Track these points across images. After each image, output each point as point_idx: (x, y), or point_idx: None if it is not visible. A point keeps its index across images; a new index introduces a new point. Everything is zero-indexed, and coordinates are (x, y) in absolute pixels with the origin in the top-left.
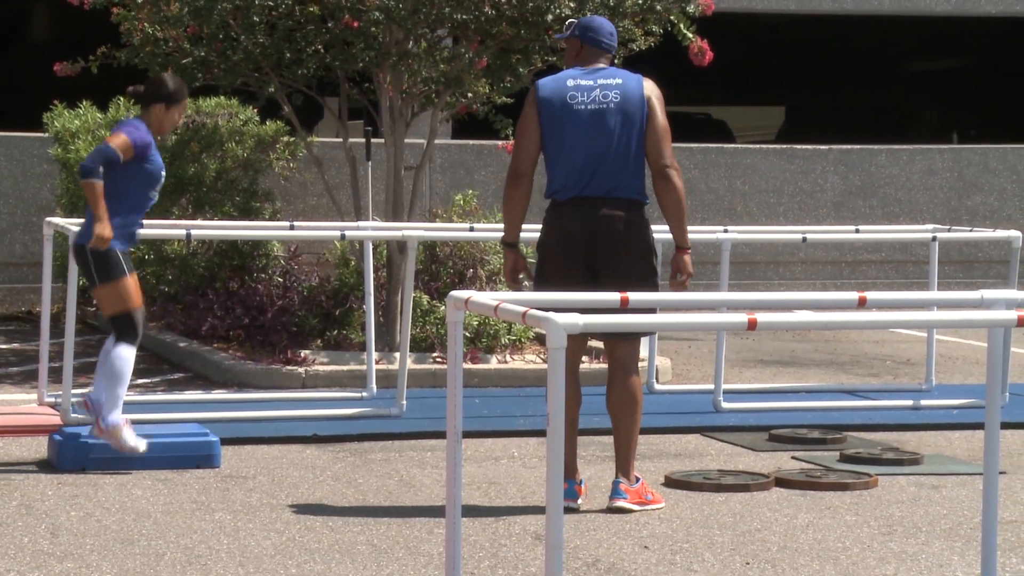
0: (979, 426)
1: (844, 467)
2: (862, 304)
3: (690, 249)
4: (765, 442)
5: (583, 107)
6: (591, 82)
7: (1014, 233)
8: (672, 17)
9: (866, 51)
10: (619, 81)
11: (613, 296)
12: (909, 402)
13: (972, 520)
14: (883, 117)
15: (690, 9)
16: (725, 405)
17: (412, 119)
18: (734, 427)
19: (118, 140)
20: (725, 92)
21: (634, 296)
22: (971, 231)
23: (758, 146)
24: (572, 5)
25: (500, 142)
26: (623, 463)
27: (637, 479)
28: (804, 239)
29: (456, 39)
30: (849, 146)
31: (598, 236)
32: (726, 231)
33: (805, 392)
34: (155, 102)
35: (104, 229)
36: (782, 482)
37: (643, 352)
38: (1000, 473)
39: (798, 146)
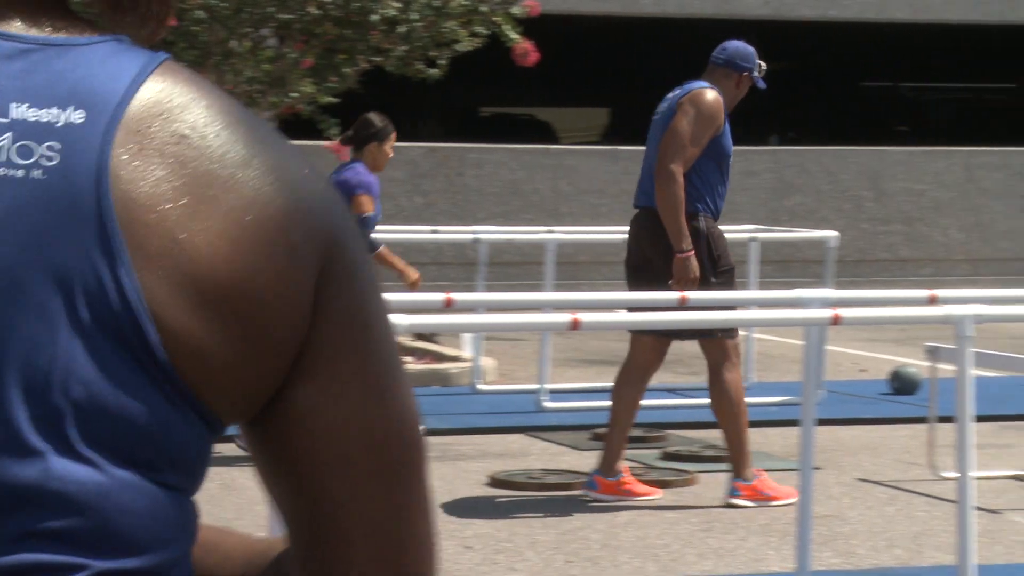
0: (795, 423)
1: (665, 465)
2: (683, 304)
3: (682, 252)
4: (588, 441)
5: (656, 118)
6: (672, 94)
7: (831, 233)
8: (497, 18)
9: (689, 53)
10: (678, 92)
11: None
12: None
13: (788, 515)
14: None
15: (515, 11)
16: (549, 405)
17: None
18: (558, 426)
19: (365, 203)
20: (550, 93)
21: (484, 296)
22: (789, 231)
23: (582, 147)
24: (398, 5)
25: (325, 142)
26: (734, 462)
27: (754, 475)
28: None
29: (280, 39)
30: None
31: (634, 246)
32: (550, 231)
33: None
34: (368, 142)
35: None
36: None
37: (467, 352)
38: (815, 469)
39: (622, 147)
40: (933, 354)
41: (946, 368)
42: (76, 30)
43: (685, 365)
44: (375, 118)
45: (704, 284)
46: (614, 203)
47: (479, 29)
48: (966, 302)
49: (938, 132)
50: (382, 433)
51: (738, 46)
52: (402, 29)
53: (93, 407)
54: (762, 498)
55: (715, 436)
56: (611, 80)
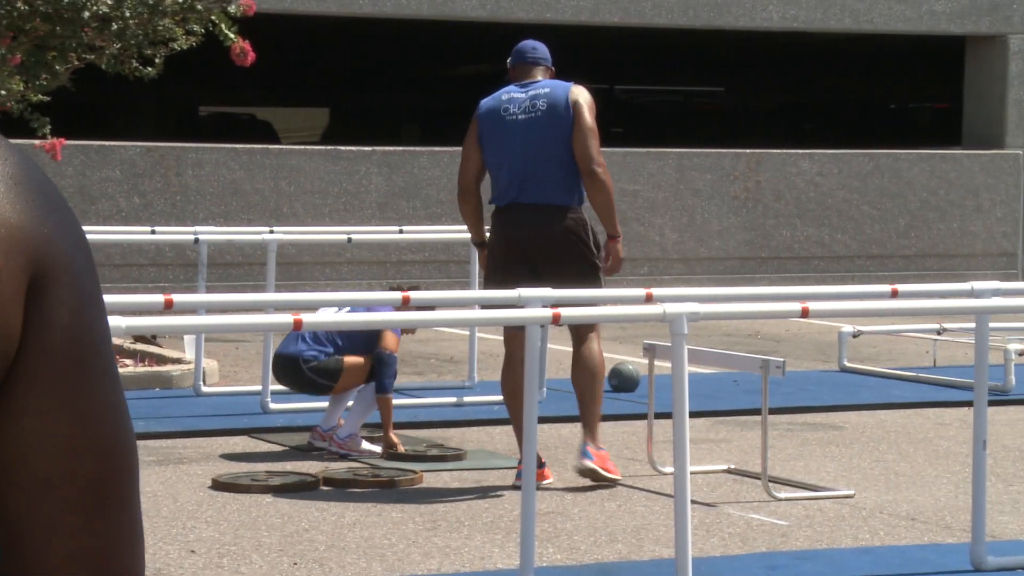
0: None
1: (390, 464)
2: (406, 303)
3: (620, 237)
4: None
5: (515, 117)
6: (523, 94)
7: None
8: (213, 17)
9: (408, 54)
10: (547, 90)
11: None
12: (453, 399)
13: (512, 512)
14: (428, 119)
15: (231, 9)
16: (273, 406)
17: None
18: (282, 428)
19: (393, 343)
20: (270, 93)
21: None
22: None
23: (303, 147)
24: (110, 2)
25: (38, 141)
26: (590, 429)
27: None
28: (349, 240)
29: None
30: (392, 148)
31: (536, 242)
32: (272, 232)
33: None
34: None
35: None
36: (329, 481)
37: (189, 354)
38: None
39: (343, 147)
40: (650, 351)
41: (663, 365)
42: None
43: (409, 365)
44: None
45: (596, 268)
46: (336, 203)
47: (195, 27)
48: (681, 300)
49: (651, 134)
50: (90, 455)
51: (539, 45)
52: (115, 26)
53: None
54: (605, 468)
55: (440, 435)
56: (330, 80)
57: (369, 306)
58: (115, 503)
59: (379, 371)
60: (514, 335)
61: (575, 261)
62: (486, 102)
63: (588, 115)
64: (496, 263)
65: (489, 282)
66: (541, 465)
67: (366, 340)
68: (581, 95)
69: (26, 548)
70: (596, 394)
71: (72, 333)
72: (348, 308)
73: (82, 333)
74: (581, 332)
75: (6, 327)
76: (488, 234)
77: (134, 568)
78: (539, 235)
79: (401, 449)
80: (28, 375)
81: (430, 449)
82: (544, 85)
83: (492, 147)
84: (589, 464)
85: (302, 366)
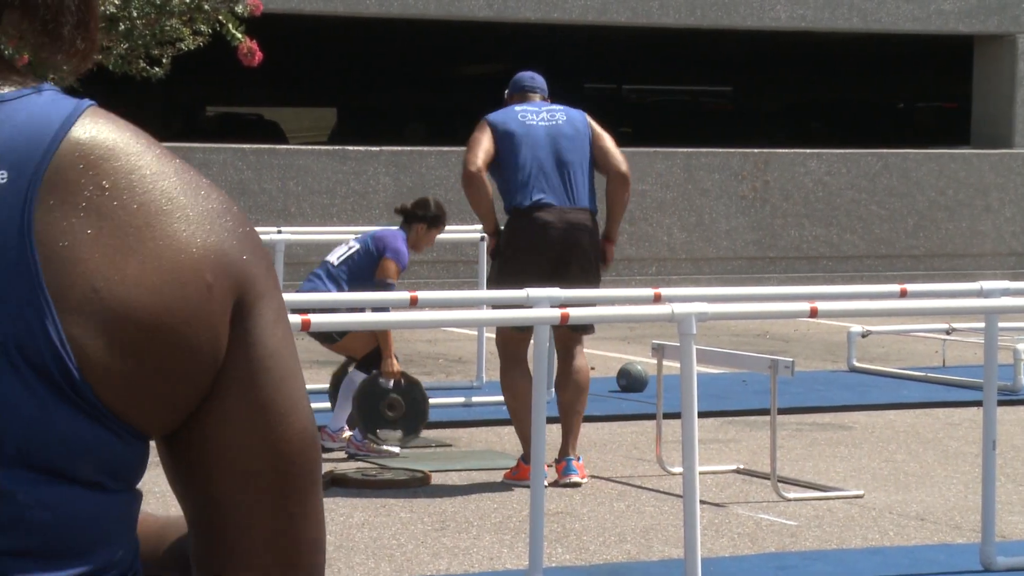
0: None
1: (399, 465)
2: (413, 303)
3: (615, 241)
4: (321, 440)
5: (535, 122)
6: (537, 108)
7: None
8: (220, 17)
9: (415, 54)
10: (560, 107)
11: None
12: (461, 399)
13: (521, 513)
14: (435, 119)
15: (239, 9)
16: None
17: None
18: None
19: (390, 269)
20: (277, 93)
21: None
22: None
23: (311, 147)
24: (117, 2)
25: None
26: (574, 441)
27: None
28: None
29: None
30: (400, 148)
31: (566, 242)
32: (280, 232)
33: None
34: (418, 221)
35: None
36: (338, 481)
37: None
38: (548, 466)
39: (350, 147)
40: (659, 351)
41: (672, 365)
42: (4, 82)
43: (418, 365)
44: (433, 203)
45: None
46: (344, 203)
47: (202, 27)
48: (689, 300)
49: (659, 133)
50: (286, 450)
51: (536, 76)
52: (123, 27)
53: (34, 439)
54: (583, 476)
55: (449, 436)
56: (338, 80)
57: (377, 235)
58: (306, 491)
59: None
60: (512, 337)
61: (595, 268)
62: (496, 115)
63: (606, 134)
64: (512, 262)
65: (503, 280)
66: (527, 462)
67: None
68: (595, 123)
69: (228, 532)
70: (583, 408)
71: (270, 345)
72: (355, 237)
73: (278, 345)
74: (569, 344)
75: (216, 340)
76: (501, 239)
77: (320, 549)
78: (568, 237)
79: (400, 379)
80: (235, 381)
81: (438, 450)
82: (555, 107)
83: (511, 149)
84: (575, 479)
85: None
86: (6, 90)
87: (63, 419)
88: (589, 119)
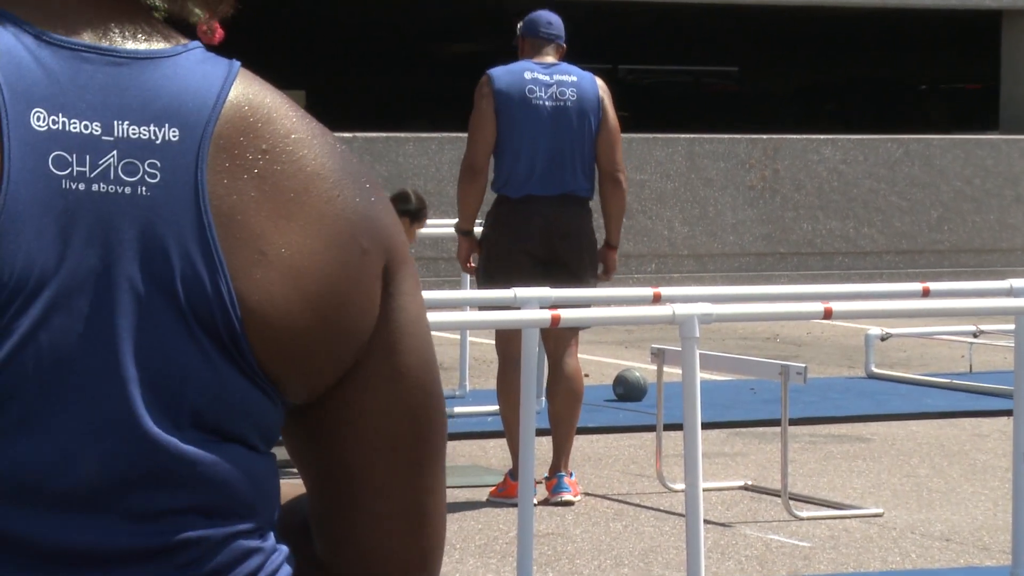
0: None
1: None
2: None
3: (617, 247)
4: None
5: (542, 103)
6: (548, 77)
7: None
8: None
9: (393, 31)
10: (574, 79)
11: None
12: None
13: (508, 534)
14: (412, 102)
15: None
16: None
17: None
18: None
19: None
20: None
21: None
22: None
23: None
24: None
25: None
26: (566, 455)
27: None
28: None
29: None
30: (375, 134)
31: (553, 235)
32: None
33: None
34: (401, 216)
35: None
36: None
37: None
38: (538, 482)
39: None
40: (659, 357)
41: (673, 371)
42: (159, 38)
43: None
44: (413, 196)
45: (595, 271)
46: None
47: (158, 3)
48: (691, 300)
49: (659, 118)
50: (423, 416)
51: (554, 19)
52: None
53: (205, 396)
54: (576, 494)
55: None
56: (307, 59)
57: None
58: (437, 458)
59: None
60: (515, 337)
61: (586, 258)
62: (502, 76)
63: (613, 114)
64: (499, 257)
65: (488, 278)
66: (515, 478)
67: None
68: (607, 90)
69: (361, 496)
70: (576, 419)
71: (412, 311)
72: None
73: (419, 312)
74: (560, 346)
75: (371, 303)
76: (485, 225)
77: (443, 518)
78: (562, 228)
79: None
80: (379, 346)
81: None
82: (568, 71)
83: (512, 131)
84: (567, 497)
85: None
86: (162, 45)
87: (232, 381)
88: (602, 93)
